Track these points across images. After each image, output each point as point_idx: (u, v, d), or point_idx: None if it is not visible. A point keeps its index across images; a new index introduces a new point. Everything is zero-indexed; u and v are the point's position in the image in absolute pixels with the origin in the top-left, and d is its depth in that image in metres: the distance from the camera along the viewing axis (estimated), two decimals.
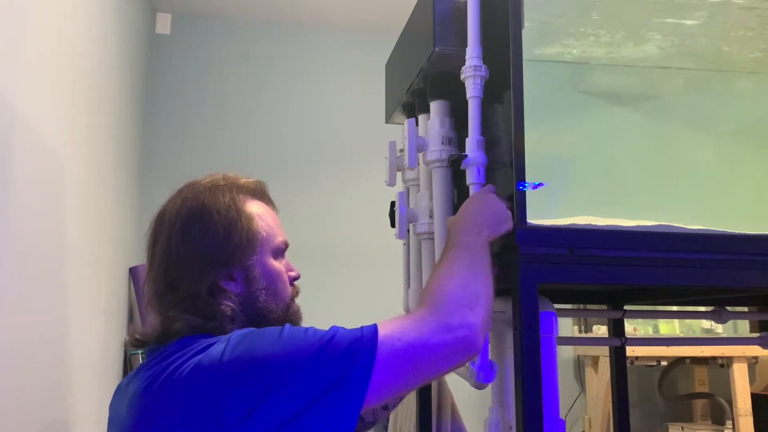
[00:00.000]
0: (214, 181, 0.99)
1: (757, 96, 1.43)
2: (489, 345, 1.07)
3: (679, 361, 3.06)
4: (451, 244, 0.97)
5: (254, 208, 1.00)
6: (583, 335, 3.28)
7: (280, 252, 1.02)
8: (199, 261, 0.93)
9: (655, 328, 3.16)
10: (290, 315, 1.00)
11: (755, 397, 2.86)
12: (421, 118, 1.32)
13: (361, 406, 0.79)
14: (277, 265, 1.00)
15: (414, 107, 1.37)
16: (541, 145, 1.14)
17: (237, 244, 0.94)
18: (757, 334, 1.51)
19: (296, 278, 1.04)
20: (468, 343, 0.84)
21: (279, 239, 1.02)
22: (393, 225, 1.30)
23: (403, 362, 0.81)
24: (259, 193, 1.03)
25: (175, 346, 0.88)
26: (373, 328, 0.83)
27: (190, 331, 0.90)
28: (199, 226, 0.94)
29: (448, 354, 0.83)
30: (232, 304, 0.93)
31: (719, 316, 1.44)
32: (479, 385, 1.05)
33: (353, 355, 0.80)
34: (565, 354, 3.52)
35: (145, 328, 0.95)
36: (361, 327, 0.84)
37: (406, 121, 1.22)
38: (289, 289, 1.02)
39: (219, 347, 0.82)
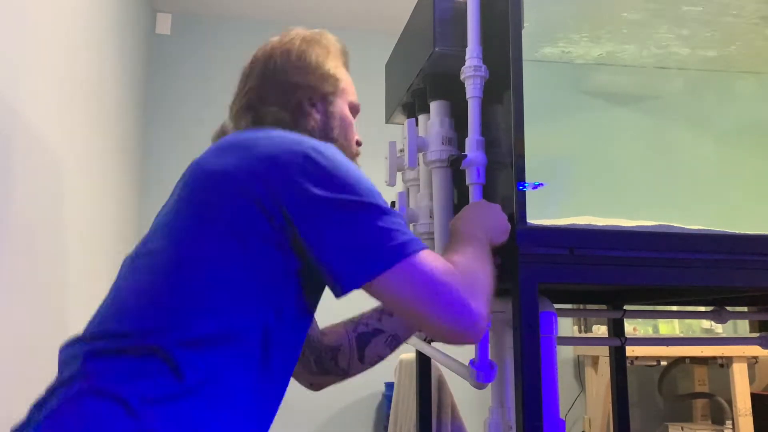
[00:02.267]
0: (318, 34, 1.09)
1: (756, 96, 1.43)
2: (489, 345, 1.07)
3: (679, 361, 3.06)
4: (459, 239, 0.96)
5: (345, 71, 1.11)
6: (583, 335, 3.28)
7: (354, 109, 1.10)
8: (288, 82, 1.02)
9: (655, 328, 3.16)
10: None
11: (755, 397, 2.86)
12: (421, 118, 1.32)
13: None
14: (348, 116, 1.08)
15: (414, 107, 1.37)
16: (541, 145, 1.14)
17: (324, 75, 1.04)
18: (757, 334, 1.51)
19: (359, 143, 1.11)
20: (474, 332, 0.83)
21: (355, 99, 1.11)
22: None
23: (413, 286, 0.81)
24: (342, 53, 1.12)
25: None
26: (423, 247, 0.84)
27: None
28: (294, 56, 1.04)
29: (450, 325, 0.82)
30: (313, 123, 1.02)
31: (719, 316, 1.44)
32: (479, 385, 1.05)
33: (394, 243, 0.81)
34: (565, 354, 3.52)
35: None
36: (412, 245, 0.83)
37: (406, 121, 1.22)
38: (352, 135, 1.09)
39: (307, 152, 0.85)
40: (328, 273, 0.82)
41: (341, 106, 1.07)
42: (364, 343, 1.16)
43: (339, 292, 0.82)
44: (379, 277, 0.80)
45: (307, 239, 0.82)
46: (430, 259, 0.83)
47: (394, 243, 0.81)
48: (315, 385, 1.19)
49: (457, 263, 0.86)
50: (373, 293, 0.83)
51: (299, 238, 0.82)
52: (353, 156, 1.08)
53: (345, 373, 1.17)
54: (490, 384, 1.12)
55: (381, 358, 1.18)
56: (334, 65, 1.07)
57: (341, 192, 0.82)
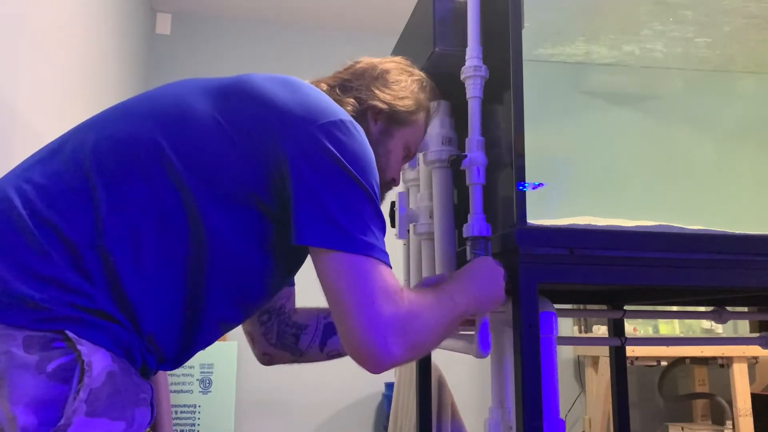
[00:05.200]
0: (421, 76, 1.12)
1: (757, 96, 1.43)
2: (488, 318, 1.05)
3: (679, 361, 3.06)
4: (441, 288, 0.94)
5: (425, 109, 1.11)
6: (583, 335, 3.28)
7: (407, 151, 1.10)
8: (374, 87, 1.05)
9: (655, 328, 3.16)
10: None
11: (755, 397, 2.86)
12: None
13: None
14: (400, 152, 1.09)
15: None
16: (541, 145, 1.14)
17: (404, 106, 1.06)
18: (757, 334, 1.51)
19: (396, 182, 1.11)
20: (373, 365, 0.81)
21: (415, 146, 1.12)
22: (393, 225, 1.30)
23: (352, 284, 0.80)
24: (430, 109, 1.14)
25: None
26: (387, 263, 0.83)
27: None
28: (393, 74, 1.08)
29: (358, 342, 0.80)
30: (366, 125, 1.03)
31: (719, 316, 1.44)
32: (481, 355, 1.05)
33: (365, 238, 0.82)
34: (565, 354, 3.53)
35: None
36: (379, 253, 0.83)
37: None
38: (389, 177, 1.08)
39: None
40: (295, 216, 0.82)
41: (397, 141, 1.07)
42: (331, 333, 1.16)
43: (295, 238, 0.82)
44: (333, 253, 0.80)
45: (294, 176, 0.82)
46: (384, 276, 0.82)
47: (366, 239, 0.82)
48: (267, 356, 1.17)
49: (412, 301, 0.84)
50: (315, 262, 0.83)
51: (287, 173, 0.82)
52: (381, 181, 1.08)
53: (300, 355, 1.16)
54: (489, 384, 1.12)
55: (340, 354, 1.15)
56: (419, 103, 1.09)
57: (352, 164, 0.84)
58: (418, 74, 1.11)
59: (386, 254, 0.84)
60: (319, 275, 0.83)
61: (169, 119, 0.85)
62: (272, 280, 0.92)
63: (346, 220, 0.81)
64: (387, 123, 1.06)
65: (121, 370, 0.77)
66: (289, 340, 1.16)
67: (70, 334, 0.73)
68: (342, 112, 0.89)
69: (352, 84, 1.06)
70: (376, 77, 1.07)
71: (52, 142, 0.88)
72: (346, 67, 1.11)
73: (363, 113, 1.04)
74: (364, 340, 0.79)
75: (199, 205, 0.81)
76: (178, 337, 0.84)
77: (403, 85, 1.07)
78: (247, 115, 0.85)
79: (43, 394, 0.70)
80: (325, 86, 1.05)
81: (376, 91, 1.05)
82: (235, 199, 0.83)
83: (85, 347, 0.73)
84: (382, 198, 1.07)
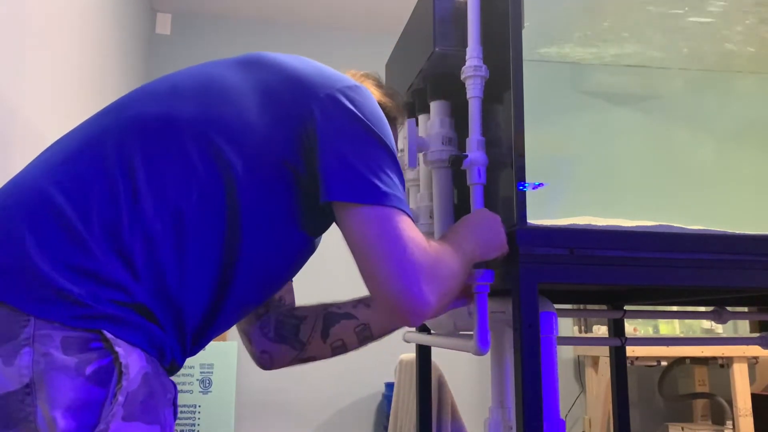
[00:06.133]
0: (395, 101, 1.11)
1: (757, 96, 1.43)
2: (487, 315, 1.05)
3: (679, 361, 3.07)
4: (447, 239, 0.95)
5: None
6: (583, 335, 3.28)
7: None
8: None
9: (655, 328, 3.16)
10: None
11: (755, 397, 2.86)
12: (421, 118, 1.32)
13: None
14: None
15: (414, 107, 1.37)
16: (541, 145, 1.14)
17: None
18: (757, 334, 1.51)
19: None
20: (413, 314, 0.81)
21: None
22: None
23: (380, 235, 0.81)
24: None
25: None
26: (409, 213, 0.84)
27: None
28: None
29: (394, 293, 0.80)
30: None
31: (719, 316, 1.44)
32: (480, 352, 1.05)
33: (388, 190, 0.83)
34: (565, 354, 3.53)
35: None
36: (404, 205, 0.84)
37: (406, 122, 1.22)
38: None
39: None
40: (323, 175, 0.83)
41: None
42: (332, 322, 1.10)
43: (324, 195, 0.83)
44: (362, 207, 0.81)
45: (321, 137, 0.84)
46: (409, 225, 0.83)
47: (392, 192, 0.83)
48: (266, 355, 1.10)
49: (436, 249, 0.86)
50: (344, 219, 0.83)
51: (314, 135, 0.84)
52: None
53: (302, 347, 1.10)
54: (489, 384, 1.12)
55: (345, 345, 1.11)
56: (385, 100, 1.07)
57: (370, 122, 0.86)
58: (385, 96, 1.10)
59: (406, 204, 0.86)
60: (346, 231, 0.83)
61: (195, 92, 0.87)
62: (297, 256, 0.93)
63: (373, 175, 0.83)
64: None
65: (153, 370, 0.76)
66: (288, 331, 1.10)
67: (108, 335, 0.72)
68: (351, 78, 0.93)
69: None
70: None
71: (72, 132, 0.88)
72: None
73: None
74: (400, 288, 0.79)
75: (236, 176, 0.82)
76: (200, 322, 0.83)
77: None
78: (272, 82, 0.88)
79: (81, 398, 0.70)
80: None
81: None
82: (267, 167, 0.84)
83: (122, 348, 0.73)
84: None
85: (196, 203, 0.80)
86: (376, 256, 0.80)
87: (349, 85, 0.90)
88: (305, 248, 0.94)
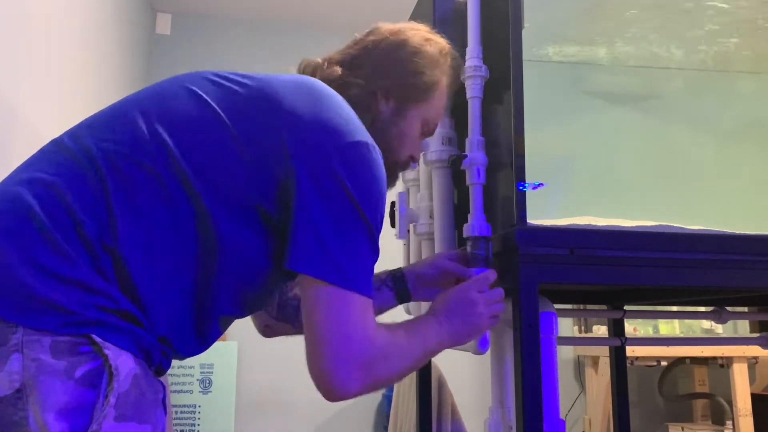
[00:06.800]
0: (441, 41, 1.05)
1: (757, 96, 1.43)
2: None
3: (679, 361, 3.06)
4: (423, 337, 0.94)
5: (443, 82, 1.04)
6: (583, 335, 3.28)
7: (426, 127, 1.06)
8: (383, 66, 1.00)
9: (655, 328, 3.16)
10: (389, 166, 1.00)
11: (755, 397, 2.85)
12: None
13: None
14: (417, 130, 1.04)
15: None
16: (541, 145, 1.14)
17: (418, 82, 1.01)
18: (757, 334, 1.51)
19: (414, 159, 1.07)
20: (331, 395, 0.83)
21: (436, 117, 1.06)
22: (393, 225, 1.30)
23: (327, 316, 0.81)
24: (454, 79, 1.08)
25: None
26: (369, 295, 0.84)
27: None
28: (405, 48, 1.02)
29: (321, 371, 0.82)
30: (374, 114, 0.99)
31: (719, 316, 1.44)
32: (479, 352, 1.06)
33: (352, 272, 0.82)
34: (565, 354, 3.52)
35: None
36: (366, 290, 0.84)
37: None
38: (406, 156, 1.05)
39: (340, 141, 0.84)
40: (291, 239, 0.82)
41: (413, 119, 1.03)
42: None
43: (287, 262, 0.82)
44: (322, 284, 0.81)
45: (299, 197, 0.81)
46: (362, 311, 0.83)
47: (357, 274, 0.82)
48: (268, 329, 1.16)
49: (383, 342, 0.85)
50: (303, 286, 0.83)
51: (292, 191, 0.81)
52: (393, 166, 1.04)
53: (300, 327, 1.14)
54: (489, 384, 1.12)
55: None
56: (436, 77, 1.03)
57: (359, 196, 0.82)
58: (438, 43, 1.04)
59: (369, 285, 0.84)
60: (302, 296, 0.83)
61: (179, 124, 0.84)
62: (275, 285, 0.92)
63: (342, 253, 0.81)
64: (400, 101, 1.01)
65: (142, 371, 0.77)
66: (290, 313, 1.14)
67: (96, 338, 0.73)
68: (360, 131, 0.86)
69: (362, 60, 1.01)
70: (390, 51, 1.01)
71: (55, 141, 0.87)
72: (357, 40, 1.05)
73: (372, 93, 1.00)
74: (327, 370, 0.81)
75: (210, 213, 0.81)
76: (192, 334, 0.85)
77: (420, 57, 1.01)
78: (259, 124, 0.83)
79: (72, 400, 0.71)
80: (338, 69, 1.00)
81: (389, 67, 1.00)
82: (241, 207, 0.82)
83: (110, 351, 0.74)
84: (396, 179, 1.07)
85: (169, 232, 0.80)
86: (319, 333, 0.81)
87: (349, 142, 0.83)
88: (283, 278, 0.92)
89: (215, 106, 0.84)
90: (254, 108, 0.85)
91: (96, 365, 0.72)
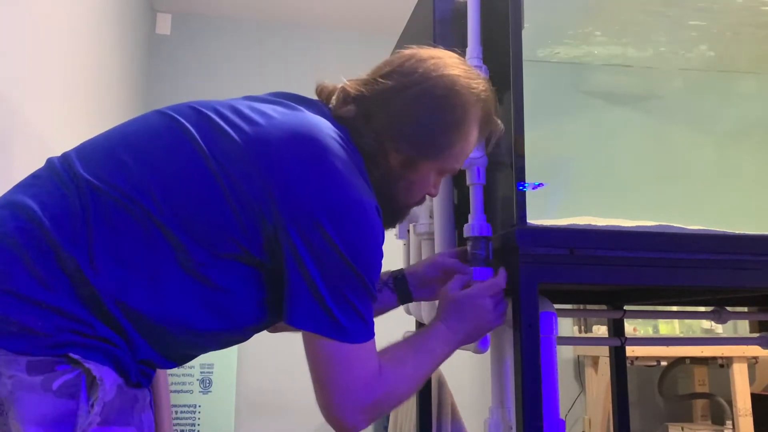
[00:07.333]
0: (477, 84, 0.96)
1: (757, 96, 1.43)
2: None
3: (679, 361, 3.06)
4: (430, 350, 0.96)
5: (473, 134, 0.97)
6: (583, 335, 3.28)
7: (444, 173, 1.01)
8: (402, 114, 0.93)
9: (655, 328, 3.16)
10: (396, 210, 1.00)
11: (755, 397, 2.85)
12: None
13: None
14: (430, 180, 0.99)
15: None
16: (541, 145, 1.14)
17: (435, 142, 0.94)
18: (757, 334, 1.51)
19: (431, 194, 1.03)
20: (347, 431, 0.86)
21: (455, 166, 1.00)
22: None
23: (327, 368, 0.84)
24: (487, 123, 0.99)
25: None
26: (370, 338, 0.86)
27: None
28: (432, 100, 0.93)
29: (326, 413, 0.86)
30: (383, 169, 0.95)
31: (719, 316, 1.44)
32: (479, 351, 1.08)
33: (349, 324, 0.84)
34: (565, 354, 3.52)
35: None
36: (366, 336, 0.86)
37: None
38: (416, 199, 1.01)
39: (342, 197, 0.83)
40: (288, 297, 0.83)
41: (426, 172, 0.97)
42: None
43: (287, 318, 0.84)
44: (322, 339, 0.83)
45: (289, 256, 0.82)
46: (368, 360, 0.85)
47: (355, 326, 0.84)
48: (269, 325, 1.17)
49: (388, 380, 0.87)
50: (304, 341, 0.86)
51: (280, 247, 0.82)
52: (402, 209, 1.02)
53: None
54: (489, 384, 1.12)
55: None
56: (463, 131, 0.95)
57: (353, 258, 0.83)
58: (477, 89, 0.95)
59: (368, 330, 0.86)
60: (305, 348, 0.86)
61: (164, 173, 0.83)
62: (268, 321, 0.93)
63: (341, 314, 0.83)
64: (413, 155, 0.94)
65: (125, 381, 0.79)
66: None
67: (74, 356, 0.74)
68: (357, 189, 0.84)
69: (380, 105, 0.93)
70: (413, 101, 0.93)
71: (50, 164, 0.87)
72: (384, 72, 0.95)
73: (384, 148, 0.94)
74: (336, 416, 0.85)
75: (196, 262, 0.81)
76: (175, 358, 0.87)
77: (448, 112, 0.93)
78: (250, 177, 0.82)
79: (52, 412, 0.72)
80: (353, 109, 0.94)
81: (408, 122, 0.93)
82: (229, 257, 0.83)
83: (92, 365, 0.75)
84: (406, 215, 1.05)
85: (147, 279, 0.80)
86: (324, 386, 0.85)
87: (344, 204, 0.83)
88: (276, 315, 0.91)
89: (207, 153, 0.83)
90: (247, 160, 0.83)
91: (72, 376, 0.74)
